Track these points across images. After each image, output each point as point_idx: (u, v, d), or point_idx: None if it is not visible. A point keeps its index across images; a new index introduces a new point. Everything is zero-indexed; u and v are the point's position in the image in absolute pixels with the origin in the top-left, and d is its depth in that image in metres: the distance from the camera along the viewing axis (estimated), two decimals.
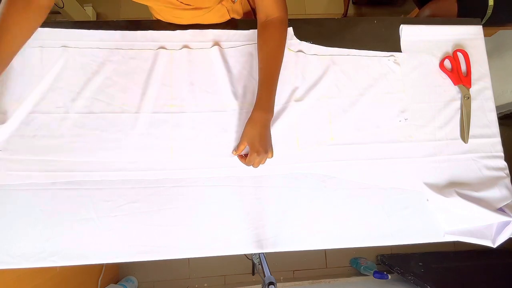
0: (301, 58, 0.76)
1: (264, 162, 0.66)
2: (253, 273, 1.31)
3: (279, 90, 0.69)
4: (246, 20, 0.78)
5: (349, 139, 0.73)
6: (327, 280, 1.52)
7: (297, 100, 0.74)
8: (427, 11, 1.03)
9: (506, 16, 1.03)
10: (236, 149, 0.66)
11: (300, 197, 0.70)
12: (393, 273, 1.47)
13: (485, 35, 0.81)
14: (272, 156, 0.66)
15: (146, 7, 0.74)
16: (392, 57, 0.78)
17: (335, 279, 1.52)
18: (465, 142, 0.74)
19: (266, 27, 0.68)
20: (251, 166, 0.66)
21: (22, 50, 0.71)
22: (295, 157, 0.71)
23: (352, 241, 0.69)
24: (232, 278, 1.57)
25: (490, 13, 0.96)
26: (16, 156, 0.66)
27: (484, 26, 0.82)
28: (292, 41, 0.77)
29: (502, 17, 1.01)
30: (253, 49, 0.74)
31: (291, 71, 0.75)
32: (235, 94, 0.73)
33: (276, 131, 0.71)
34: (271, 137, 0.67)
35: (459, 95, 0.77)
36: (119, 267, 1.53)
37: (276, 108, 0.72)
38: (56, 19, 1.62)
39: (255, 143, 0.63)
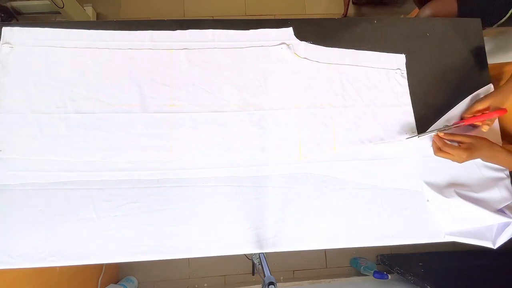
0: (307, 65, 0.76)
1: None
2: (253, 273, 1.31)
3: (282, 97, 0.67)
4: (246, 20, 0.78)
5: (351, 150, 0.72)
6: (327, 280, 1.51)
7: (301, 107, 0.74)
8: (427, 11, 1.03)
9: None
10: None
11: (300, 197, 0.70)
12: (393, 273, 1.47)
13: (485, 35, 0.82)
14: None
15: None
16: (399, 70, 0.78)
17: (335, 279, 1.52)
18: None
19: None
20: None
21: (22, 50, 0.71)
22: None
23: (352, 241, 0.69)
24: (232, 278, 1.57)
25: (505, 19, 0.94)
26: (16, 156, 0.66)
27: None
28: (292, 41, 0.77)
29: None
30: (253, 50, 0.74)
31: (297, 77, 0.75)
32: (235, 94, 0.73)
33: (278, 138, 0.71)
34: None
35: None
36: (119, 267, 1.53)
37: (279, 113, 0.72)
38: (56, 19, 1.62)
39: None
